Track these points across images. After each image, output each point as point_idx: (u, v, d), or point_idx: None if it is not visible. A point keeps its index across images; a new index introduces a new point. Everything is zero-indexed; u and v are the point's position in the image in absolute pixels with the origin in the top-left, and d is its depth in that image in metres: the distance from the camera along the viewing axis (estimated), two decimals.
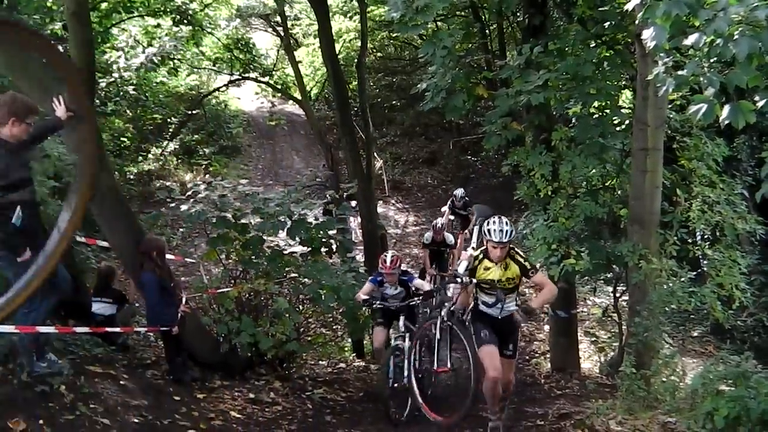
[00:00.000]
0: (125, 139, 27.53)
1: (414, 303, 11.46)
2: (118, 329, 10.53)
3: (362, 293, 11.22)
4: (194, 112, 32.35)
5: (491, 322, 8.91)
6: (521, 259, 8.81)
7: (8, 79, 10.63)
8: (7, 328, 7.46)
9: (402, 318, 11.15)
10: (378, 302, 11.23)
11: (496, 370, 8.55)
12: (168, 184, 26.13)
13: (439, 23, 20.33)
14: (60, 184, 11.70)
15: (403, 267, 12.31)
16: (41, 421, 7.11)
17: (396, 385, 10.42)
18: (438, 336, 9.61)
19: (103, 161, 9.73)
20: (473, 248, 10.92)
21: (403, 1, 11.80)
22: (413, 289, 11.56)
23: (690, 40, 6.00)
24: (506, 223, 8.61)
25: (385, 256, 11.52)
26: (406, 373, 10.30)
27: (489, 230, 8.62)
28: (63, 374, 7.97)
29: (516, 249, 8.91)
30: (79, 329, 9.61)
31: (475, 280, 8.91)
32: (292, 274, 12.15)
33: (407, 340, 10.59)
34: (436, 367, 9.72)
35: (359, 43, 22.78)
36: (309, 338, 12.96)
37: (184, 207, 11.90)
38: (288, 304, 11.50)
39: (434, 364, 9.77)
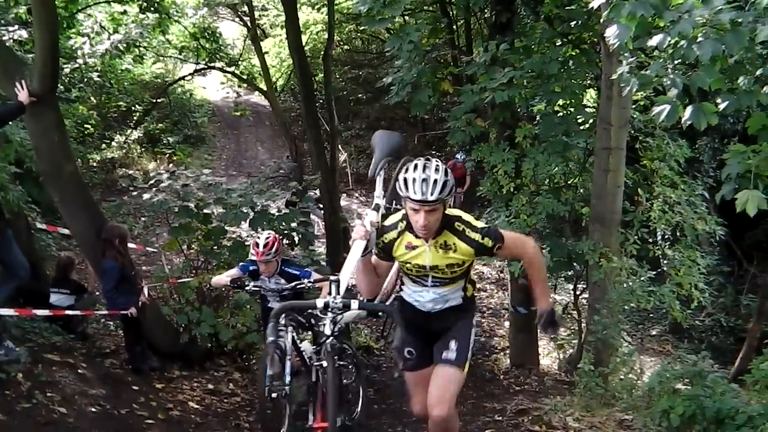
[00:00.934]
0: (89, 126, 27.28)
1: (288, 293, 8.81)
2: (78, 312, 10.45)
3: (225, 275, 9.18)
4: (159, 100, 32.13)
5: (422, 320, 5.97)
6: (475, 235, 5.51)
7: None
8: None
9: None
10: (253, 285, 8.89)
11: (432, 407, 5.59)
12: (131, 172, 26.00)
13: (406, 17, 20.28)
14: (21, 170, 11.62)
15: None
16: None
17: (274, 394, 7.74)
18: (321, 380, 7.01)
19: (67, 148, 9.65)
20: (380, 207, 6.48)
21: None
22: (308, 286, 9.06)
23: (654, 40, 6.04)
24: (436, 169, 5.40)
25: (258, 237, 9.02)
26: (287, 379, 7.84)
27: (405, 180, 5.37)
28: (20, 362, 7.91)
29: (464, 216, 5.69)
30: (39, 312, 9.55)
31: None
32: None
33: (289, 333, 8.03)
34: (312, 422, 7.30)
35: (326, 35, 22.73)
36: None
37: (146, 196, 11.85)
38: (248, 296, 11.47)
39: (311, 416, 7.60)
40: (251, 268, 9.08)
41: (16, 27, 16.47)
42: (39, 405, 7.51)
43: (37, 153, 9.24)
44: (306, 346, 8.49)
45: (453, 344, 5.74)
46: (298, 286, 8.89)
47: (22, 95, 8.35)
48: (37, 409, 7.43)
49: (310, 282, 8.88)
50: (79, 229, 9.80)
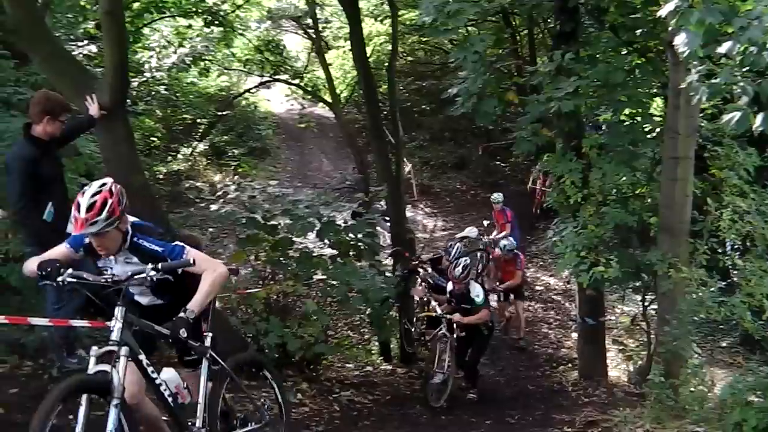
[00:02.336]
0: (155, 139, 27.66)
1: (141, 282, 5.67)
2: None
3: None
4: (224, 113, 32.45)
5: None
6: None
7: (42, 76, 10.73)
8: (40, 321, 7.52)
9: (119, 312, 5.63)
10: (71, 274, 5.59)
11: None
12: (197, 184, 26.27)
13: (470, 28, 20.29)
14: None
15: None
16: (71, 416, 7.17)
17: None
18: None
19: (136, 160, 9.79)
20: None
21: (434, 6, 11.81)
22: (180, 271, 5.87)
23: (723, 48, 5.99)
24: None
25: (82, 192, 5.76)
26: None
27: None
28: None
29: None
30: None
31: None
32: (321, 276, 12.18)
33: (121, 365, 5.49)
34: None
35: (389, 47, 22.79)
36: (336, 341, 13.00)
37: (213, 207, 12.01)
38: (316, 306, 11.52)
39: None
40: (86, 241, 5.85)
41: (85, 42, 16.78)
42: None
43: (107, 165, 9.40)
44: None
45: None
46: (155, 272, 5.57)
47: (93, 109, 8.51)
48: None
49: (182, 262, 5.69)
50: None
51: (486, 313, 12.89)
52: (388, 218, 18.24)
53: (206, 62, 27.93)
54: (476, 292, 12.77)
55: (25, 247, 7.98)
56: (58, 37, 11.67)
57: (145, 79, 23.29)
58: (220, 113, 32.27)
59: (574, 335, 17.60)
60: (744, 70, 6.25)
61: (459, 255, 13.78)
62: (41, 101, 7.72)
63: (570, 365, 16.45)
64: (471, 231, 19.24)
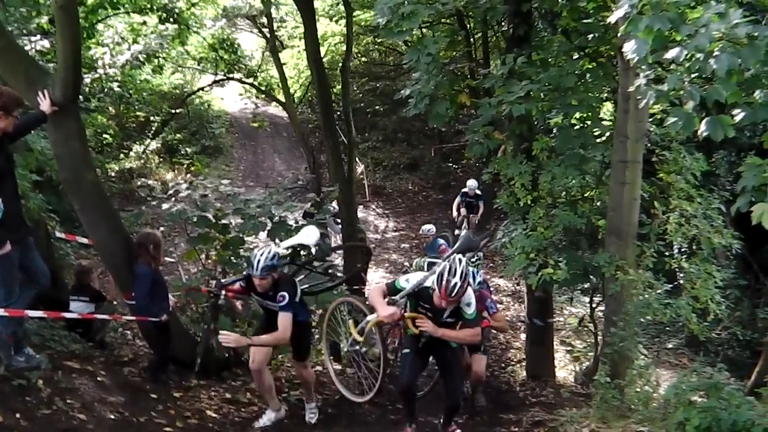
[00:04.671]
0: (107, 136, 27.52)
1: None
2: (106, 316, 10.56)
3: None
4: (177, 111, 32.34)
5: None
6: None
7: None
8: None
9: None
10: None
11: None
12: (149, 182, 26.09)
13: (424, 30, 20.37)
14: (41, 178, 11.72)
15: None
16: (18, 415, 7.15)
17: None
18: None
19: (88, 157, 9.74)
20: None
21: (389, 7, 11.86)
22: None
23: (671, 54, 6.10)
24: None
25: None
26: None
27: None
28: (41, 369, 7.99)
29: None
30: (67, 314, 9.72)
31: None
32: None
33: None
34: None
35: (344, 47, 22.84)
36: None
37: (165, 206, 11.91)
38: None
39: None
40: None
41: (38, 37, 16.63)
42: (59, 411, 7.59)
43: (59, 161, 9.32)
44: None
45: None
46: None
47: (45, 104, 8.45)
48: (57, 415, 7.50)
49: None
50: (100, 239, 9.83)
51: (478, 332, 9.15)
52: (339, 219, 18.27)
53: (160, 60, 27.74)
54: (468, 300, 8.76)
55: None
56: (10, 31, 11.57)
57: (98, 75, 23.03)
58: (173, 111, 32.18)
59: (523, 336, 17.74)
60: (692, 76, 6.36)
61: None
62: None
63: (518, 365, 16.60)
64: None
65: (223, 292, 9.16)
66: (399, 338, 11.17)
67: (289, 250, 10.78)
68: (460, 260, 8.30)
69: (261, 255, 8.54)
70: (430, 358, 9.48)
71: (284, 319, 8.63)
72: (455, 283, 8.08)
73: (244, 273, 9.33)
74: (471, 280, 9.24)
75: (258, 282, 8.63)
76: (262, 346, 8.89)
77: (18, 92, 8.17)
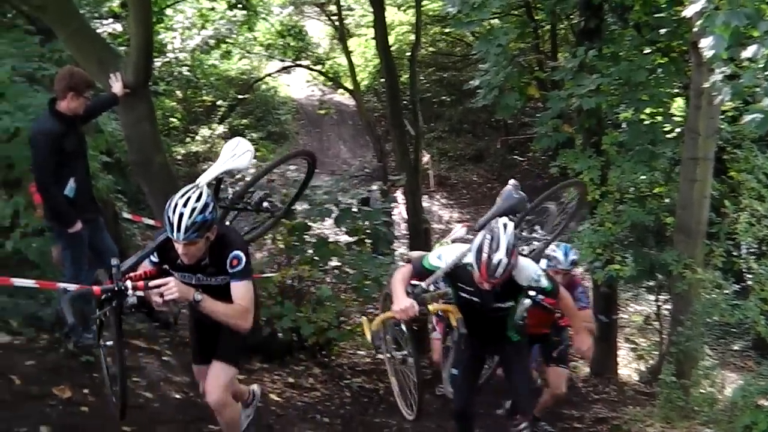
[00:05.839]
0: (174, 120, 27.73)
1: None
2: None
3: None
4: (245, 96, 32.48)
5: None
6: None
7: (66, 53, 10.77)
8: (69, 285, 7.57)
9: None
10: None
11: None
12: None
13: (492, 21, 20.28)
14: (111, 159, 11.85)
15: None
16: (86, 390, 7.25)
17: None
18: None
19: (157, 139, 9.83)
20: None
21: None
22: None
23: (749, 52, 5.99)
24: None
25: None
26: None
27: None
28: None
29: None
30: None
31: None
32: (336, 263, 12.18)
33: None
34: None
35: (411, 37, 22.80)
36: (349, 327, 12.99)
37: (230, 190, 11.98)
38: (331, 292, 11.52)
39: None
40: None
41: (110, 20, 16.82)
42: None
43: (129, 143, 9.41)
44: None
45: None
46: None
47: (117, 87, 8.53)
48: None
49: None
50: None
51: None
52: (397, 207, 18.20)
53: (229, 45, 27.95)
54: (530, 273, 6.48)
55: (45, 222, 8.06)
56: (82, 14, 11.72)
57: (167, 59, 23.29)
58: (240, 96, 32.31)
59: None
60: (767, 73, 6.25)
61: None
62: (66, 77, 7.76)
63: (581, 361, 16.47)
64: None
65: (129, 283, 5.40)
66: (443, 332, 9.14)
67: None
68: (505, 226, 6.09)
69: (181, 204, 5.21)
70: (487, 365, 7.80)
71: (243, 289, 5.52)
72: (499, 260, 5.89)
73: (148, 245, 5.99)
74: (561, 257, 7.97)
75: (183, 250, 5.34)
76: (215, 316, 5.47)
77: (90, 74, 8.27)
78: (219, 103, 31.86)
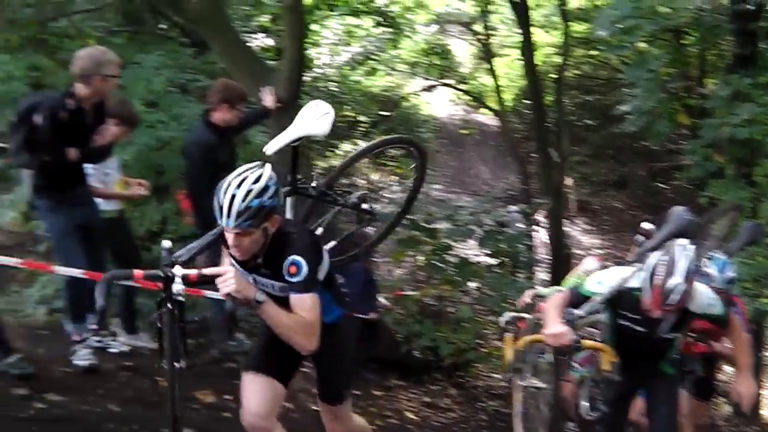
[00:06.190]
0: None
1: None
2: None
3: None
4: (390, 113, 32.72)
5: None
6: None
7: (219, 65, 11.08)
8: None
9: None
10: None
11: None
12: (356, 180, 26.64)
13: (641, 44, 19.99)
14: None
15: None
16: (228, 396, 7.42)
17: None
18: None
19: (307, 154, 10.01)
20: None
21: (611, 20, 11.74)
22: None
23: None
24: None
25: None
26: None
27: None
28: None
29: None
30: None
31: None
32: (475, 284, 12.18)
33: None
34: None
35: (556, 58, 22.66)
36: (485, 350, 12.95)
37: (376, 206, 12.11)
38: (471, 313, 11.54)
39: None
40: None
41: (263, 35, 17.23)
42: None
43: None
44: None
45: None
46: None
47: (269, 100, 8.74)
48: None
49: None
50: None
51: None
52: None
53: (375, 62, 28.24)
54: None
55: (195, 229, 8.30)
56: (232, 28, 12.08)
57: (316, 75, 23.70)
58: (384, 113, 32.56)
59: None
60: None
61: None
62: (221, 90, 8.02)
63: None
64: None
65: (180, 272, 4.50)
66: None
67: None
68: (684, 248, 5.49)
69: (235, 185, 4.47)
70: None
71: (308, 302, 4.54)
72: (675, 285, 5.26)
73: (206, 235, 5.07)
74: (716, 274, 6.67)
75: (233, 241, 4.53)
76: (275, 325, 4.54)
77: (243, 87, 8.51)
78: (361, 118, 32.18)
